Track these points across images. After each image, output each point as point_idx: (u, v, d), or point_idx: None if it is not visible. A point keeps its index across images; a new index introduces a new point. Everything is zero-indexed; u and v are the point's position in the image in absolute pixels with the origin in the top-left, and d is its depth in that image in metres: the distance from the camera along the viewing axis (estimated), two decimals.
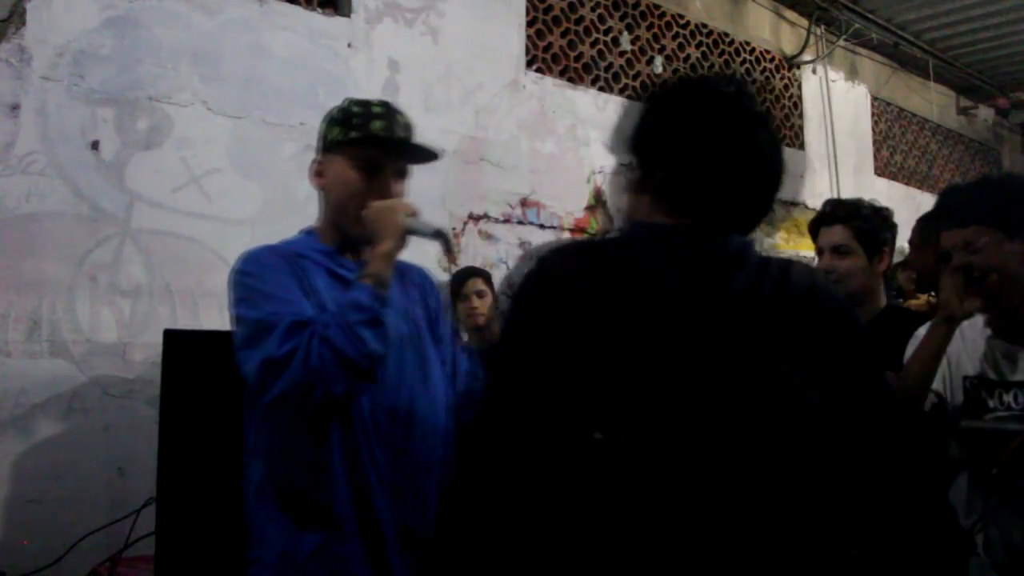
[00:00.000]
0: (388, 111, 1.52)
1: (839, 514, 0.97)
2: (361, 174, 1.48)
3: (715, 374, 0.95)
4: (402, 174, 1.54)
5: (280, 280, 1.41)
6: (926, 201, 6.16)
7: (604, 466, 0.94)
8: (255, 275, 1.41)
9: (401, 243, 1.44)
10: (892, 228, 2.05)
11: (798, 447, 0.95)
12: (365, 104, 1.52)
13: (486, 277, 3.13)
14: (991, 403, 1.66)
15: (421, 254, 3.19)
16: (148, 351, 2.45)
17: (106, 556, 2.15)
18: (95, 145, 2.48)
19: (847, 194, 5.32)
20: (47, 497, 2.29)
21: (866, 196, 5.48)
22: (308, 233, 1.58)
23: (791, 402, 0.95)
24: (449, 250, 1.50)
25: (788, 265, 1.05)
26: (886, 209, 2.05)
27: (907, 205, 5.93)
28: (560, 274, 1.04)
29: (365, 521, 1.41)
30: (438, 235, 1.49)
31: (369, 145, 1.49)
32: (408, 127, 1.55)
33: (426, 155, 1.55)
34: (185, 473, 1.94)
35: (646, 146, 1.09)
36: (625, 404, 0.95)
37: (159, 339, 2.05)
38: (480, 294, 3.04)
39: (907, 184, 6.21)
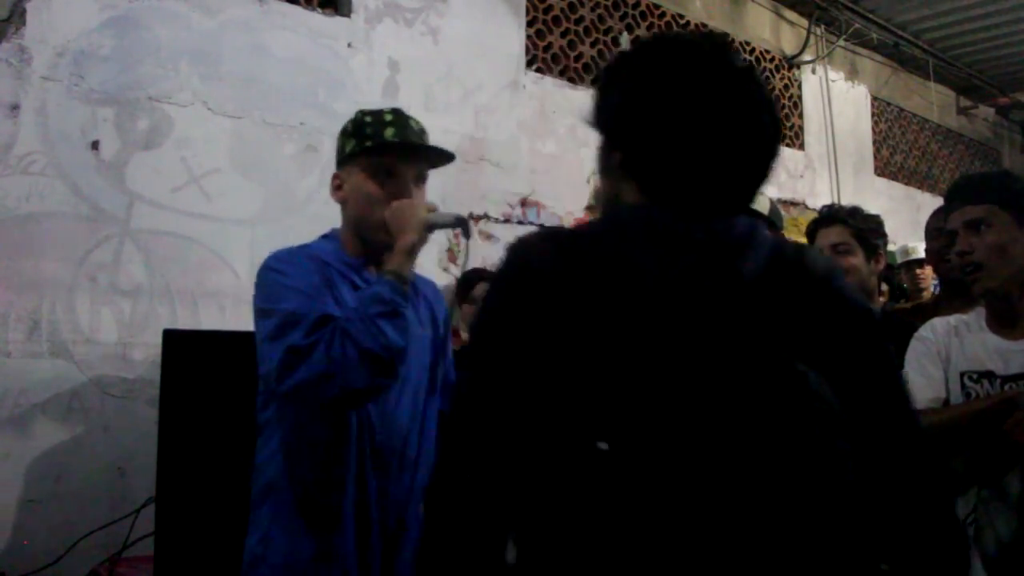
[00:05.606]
0: (399, 117, 1.52)
1: (859, 525, 0.87)
2: (379, 182, 1.48)
3: (726, 377, 0.85)
4: (421, 178, 1.54)
5: (310, 279, 1.41)
6: (926, 201, 6.16)
7: (606, 476, 0.84)
8: (285, 272, 1.41)
9: (423, 237, 1.44)
10: (884, 236, 2.13)
11: (813, 454, 0.85)
12: (376, 113, 1.52)
13: None
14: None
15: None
16: (148, 351, 2.45)
17: (106, 556, 2.15)
18: (95, 145, 2.47)
19: (847, 194, 5.32)
20: (47, 497, 2.28)
21: (866, 196, 5.43)
22: (330, 238, 1.56)
23: (804, 406, 0.85)
24: (468, 235, 1.49)
25: (803, 249, 0.93)
26: (878, 216, 2.15)
27: (907, 205, 5.93)
28: (546, 265, 0.88)
29: (362, 523, 1.42)
30: (460, 222, 1.49)
31: (384, 153, 1.49)
32: (421, 132, 1.55)
33: (442, 156, 1.55)
34: (185, 473, 1.94)
35: (631, 120, 0.94)
36: (628, 410, 0.85)
37: (159, 339, 2.05)
38: None
39: (907, 184, 6.20)
